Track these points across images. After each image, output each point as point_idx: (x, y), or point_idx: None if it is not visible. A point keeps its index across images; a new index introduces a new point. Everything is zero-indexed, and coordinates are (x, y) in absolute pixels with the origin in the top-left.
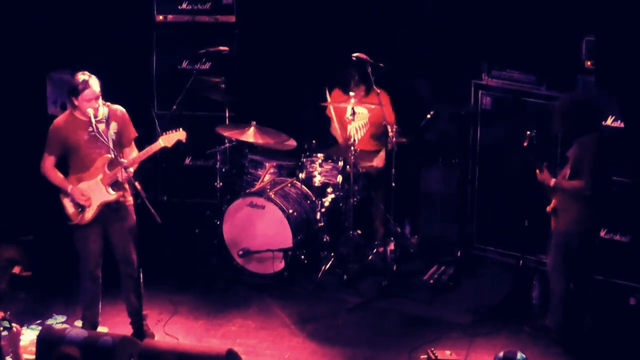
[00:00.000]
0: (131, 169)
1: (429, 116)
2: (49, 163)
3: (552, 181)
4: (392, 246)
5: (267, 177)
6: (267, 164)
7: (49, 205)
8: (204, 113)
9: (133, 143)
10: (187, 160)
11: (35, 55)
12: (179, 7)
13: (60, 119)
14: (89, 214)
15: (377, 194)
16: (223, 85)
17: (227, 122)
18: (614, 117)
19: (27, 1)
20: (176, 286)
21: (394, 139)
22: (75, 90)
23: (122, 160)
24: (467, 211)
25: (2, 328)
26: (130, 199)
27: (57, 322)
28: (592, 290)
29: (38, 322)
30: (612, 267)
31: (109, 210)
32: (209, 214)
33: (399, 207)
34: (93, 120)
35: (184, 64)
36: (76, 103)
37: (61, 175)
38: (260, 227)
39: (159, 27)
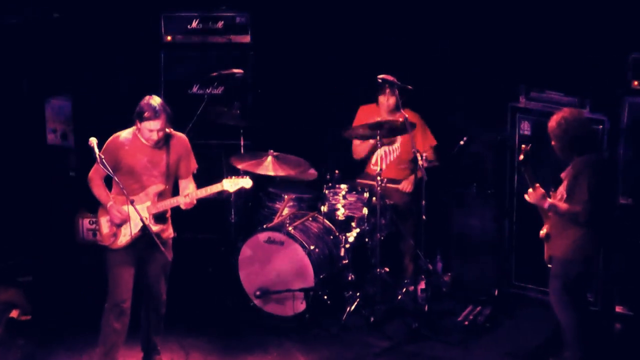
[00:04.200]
0: (187, 201)
1: (462, 142)
2: (98, 175)
3: (547, 203)
4: (423, 285)
5: (286, 211)
6: (285, 197)
7: (49, 244)
8: (216, 141)
9: (191, 176)
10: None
11: (33, 80)
12: (189, 26)
13: (123, 135)
14: (123, 240)
15: (406, 227)
16: (237, 111)
17: (242, 151)
18: None
19: (26, 22)
20: (188, 329)
21: (424, 166)
22: (141, 115)
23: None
24: (504, 246)
25: None
26: (170, 233)
27: None
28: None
29: None
30: None
31: (146, 241)
32: (223, 251)
33: (430, 242)
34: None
35: (195, 88)
36: (139, 126)
37: (106, 190)
38: (279, 265)
39: (167, 49)
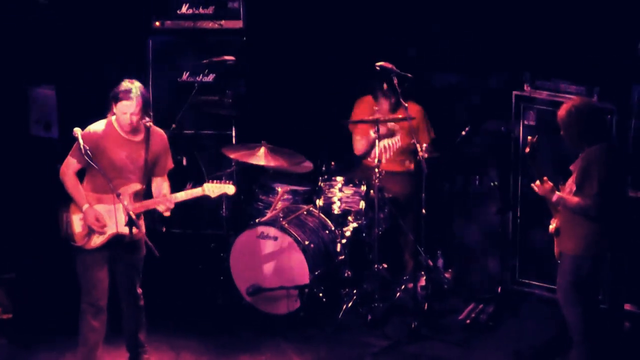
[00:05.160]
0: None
1: (464, 132)
2: (71, 169)
3: (555, 196)
4: (423, 282)
5: (279, 204)
6: (279, 190)
7: (33, 239)
8: (207, 132)
9: (166, 175)
10: (189, 186)
11: (15, 68)
12: (179, 11)
13: (98, 127)
14: (98, 240)
15: (406, 222)
16: (229, 100)
17: (234, 141)
18: None
19: (8, 8)
20: (178, 329)
21: (424, 157)
22: (116, 96)
23: (159, 200)
24: (508, 241)
25: None
26: (143, 231)
27: None
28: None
29: None
30: None
31: (120, 240)
32: (214, 247)
33: (430, 237)
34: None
35: (185, 76)
36: (114, 111)
37: (82, 189)
38: (272, 261)
39: (156, 34)
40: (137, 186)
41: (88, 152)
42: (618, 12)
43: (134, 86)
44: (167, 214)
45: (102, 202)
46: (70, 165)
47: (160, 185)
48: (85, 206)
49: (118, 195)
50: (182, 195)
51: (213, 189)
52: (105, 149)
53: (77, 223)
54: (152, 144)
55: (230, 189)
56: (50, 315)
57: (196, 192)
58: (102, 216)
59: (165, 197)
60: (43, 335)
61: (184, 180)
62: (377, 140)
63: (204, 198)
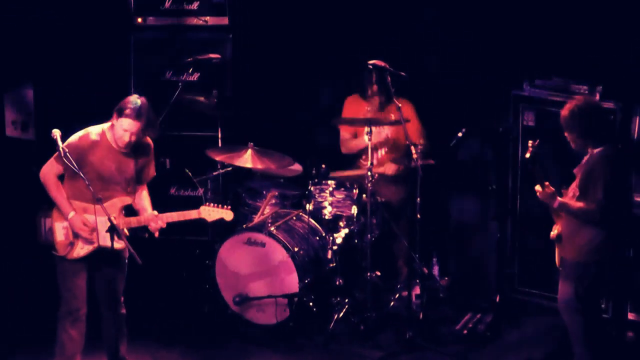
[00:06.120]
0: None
1: (460, 134)
2: (54, 172)
3: (557, 202)
4: (417, 290)
5: (267, 209)
6: (267, 194)
7: (6, 244)
8: (191, 133)
9: (146, 184)
10: (172, 190)
11: None
12: (162, 7)
13: (88, 136)
14: (82, 251)
15: (400, 227)
16: (214, 100)
17: (219, 143)
18: None
19: None
20: (161, 340)
21: (418, 161)
22: (121, 110)
23: (151, 214)
24: (507, 248)
25: None
26: (126, 240)
27: None
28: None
29: None
30: None
31: (103, 250)
32: (199, 253)
33: (425, 244)
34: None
35: (168, 75)
36: (114, 122)
37: (64, 194)
38: (260, 268)
39: (137, 31)
40: (127, 200)
41: (68, 154)
42: (621, 8)
43: (143, 106)
44: (157, 234)
45: (88, 213)
46: (53, 168)
47: (140, 194)
48: (72, 213)
49: (99, 200)
50: (175, 216)
51: (210, 212)
52: (94, 159)
53: (59, 232)
54: (141, 155)
55: (228, 214)
56: (24, 323)
57: (191, 214)
58: (88, 220)
59: (157, 216)
60: (17, 345)
61: (166, 183)
62: (369, 142)
63: (189, 202)
